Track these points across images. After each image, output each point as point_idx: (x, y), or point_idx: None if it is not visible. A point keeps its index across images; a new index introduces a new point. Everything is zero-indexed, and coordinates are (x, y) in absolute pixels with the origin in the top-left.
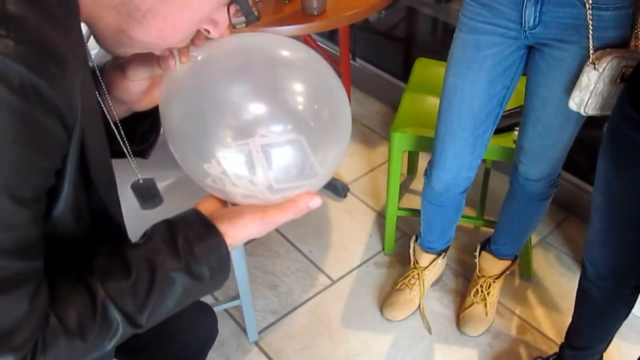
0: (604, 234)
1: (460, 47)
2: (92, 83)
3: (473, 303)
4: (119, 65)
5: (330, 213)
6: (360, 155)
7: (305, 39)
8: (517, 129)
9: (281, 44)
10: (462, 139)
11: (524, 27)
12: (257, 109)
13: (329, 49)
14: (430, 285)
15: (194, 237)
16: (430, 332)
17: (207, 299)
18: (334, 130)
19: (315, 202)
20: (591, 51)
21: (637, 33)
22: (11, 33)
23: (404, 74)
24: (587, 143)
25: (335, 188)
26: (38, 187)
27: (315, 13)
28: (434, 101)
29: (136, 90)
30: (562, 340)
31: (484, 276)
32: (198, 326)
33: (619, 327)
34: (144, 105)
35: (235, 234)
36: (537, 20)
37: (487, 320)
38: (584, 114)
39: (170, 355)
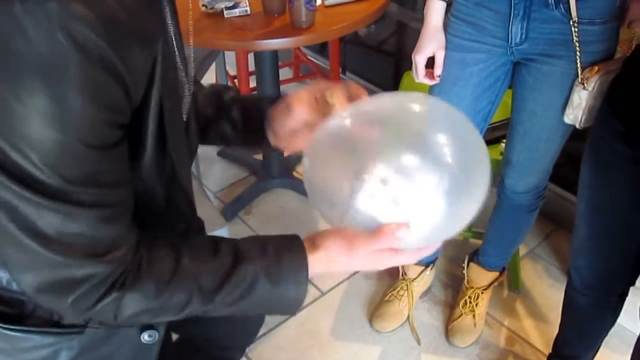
0: (589, 242)
1: (445, 64)
2: (175, 58)
3: (462, 314)
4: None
5: (321, 225)
6: None
7: (296, 53)
8: (504, 141)
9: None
10: None
11: (511, 43)
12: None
13: (319, 62)
14: (419, 297)
15: (282, 249)
16: (419, 343)
17: None
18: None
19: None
20: (579, 70)
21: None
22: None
23: (394, 88)
24: (575, 155)
25: None
26: (96, 134)
27: (304, 26)
28: None
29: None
30: (550, 350)
31: (472, 287)
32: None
33: (605, 336)
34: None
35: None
36: (524, 36)
37: (475, 331)
38: (580, 128)
39: (218, 337)
